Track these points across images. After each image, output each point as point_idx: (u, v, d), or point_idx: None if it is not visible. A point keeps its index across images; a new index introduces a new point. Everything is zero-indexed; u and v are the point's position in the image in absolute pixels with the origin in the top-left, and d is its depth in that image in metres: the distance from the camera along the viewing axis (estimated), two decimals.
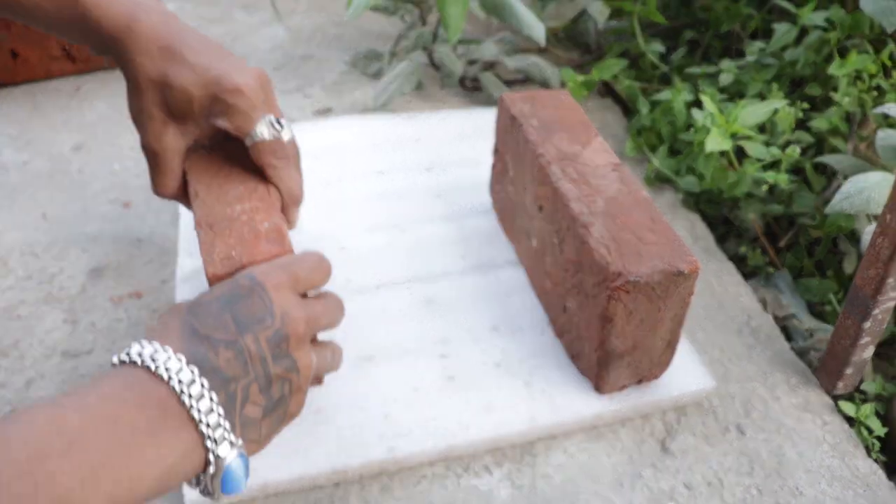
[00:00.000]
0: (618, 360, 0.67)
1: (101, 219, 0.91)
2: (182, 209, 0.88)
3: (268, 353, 0.51)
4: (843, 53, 1.01)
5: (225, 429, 0.48)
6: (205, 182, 0.64)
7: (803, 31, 1.05)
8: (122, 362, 0.48)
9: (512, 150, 0.79)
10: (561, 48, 1.26)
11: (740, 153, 0.95)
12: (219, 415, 0.47)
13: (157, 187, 0.66)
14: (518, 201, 0.79)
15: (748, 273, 0.92)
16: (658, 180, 0.99)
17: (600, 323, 0.64)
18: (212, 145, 0.67)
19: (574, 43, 1.29)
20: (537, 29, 0.95)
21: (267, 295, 0.52)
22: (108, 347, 0.76)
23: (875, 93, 0.96)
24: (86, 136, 1.04)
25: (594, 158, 0.72)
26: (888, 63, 0.98)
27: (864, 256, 0.69)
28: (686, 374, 0.72)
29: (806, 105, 0.93)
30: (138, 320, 0.79)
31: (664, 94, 1.01)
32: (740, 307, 0.84)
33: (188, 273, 0.80)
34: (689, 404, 0.74)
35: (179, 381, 0.46)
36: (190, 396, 0.46)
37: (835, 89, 0.99)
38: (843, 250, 0.90)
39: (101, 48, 0.61)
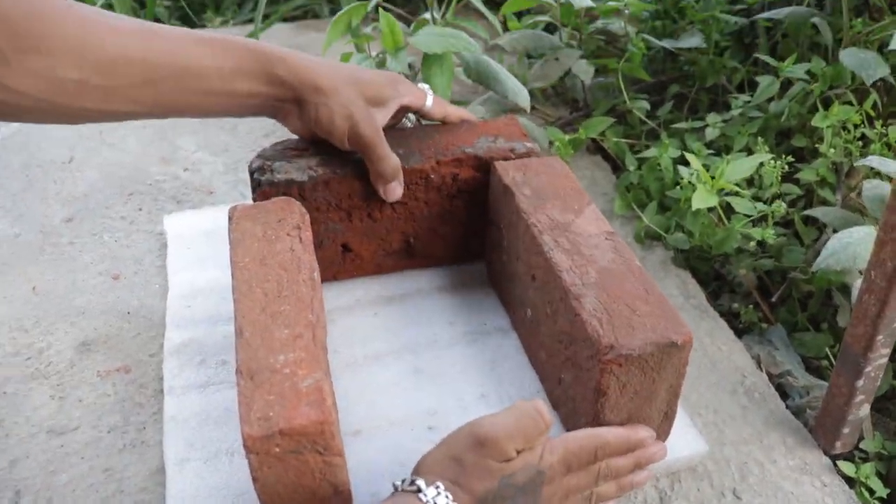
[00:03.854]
0: None
1: (91, 291, 0.91)
2: (171, 282, 0.88)
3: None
4: (826, 104, 1.02)
5: None
6: (251, 318, 0.62)
7: (788, 84, 1.06)
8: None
9: (505, 218, 0.79)
10: (549, 105, 1.27)
11: (729, 208, 0.95)
12: None
13: (382, 177, 0.78)
14: (513, 271, 0.79)
15: (742, 329, 0.91)
16: (648, 237, 0.99)
17: (594, 396, 0.63)
18: (265, 258, 0.68)
19: (562, 100, 1.30)
20: (522, 96, 0.95)
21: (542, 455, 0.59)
22: (94, 424, 0.75)
23: (860, 143, 0.96)
24: (77, 207, 1.04)
25: (587, 227, 0.72)
26: (871, 113, 0.98)
27: (852, 314, 0.69)
28: (678, 438, 0.71)
29: (791, 158, 0.93)
30: (125, 396, 0.78)
31: (651, 151, 1.02)
32: (734, 366, 0.83)
33: (176, 346, 0.80)
34: (682, 469, 0.72)
35: None
36: None
37: (821, 140, 0.99)
38: (837, 303, 0.90)
39: (285, 94, 0.74)
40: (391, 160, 0.77)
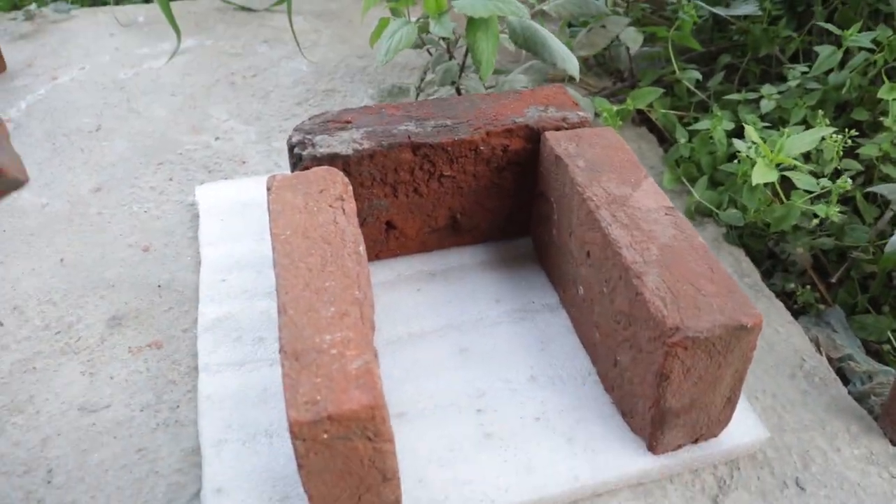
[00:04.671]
0: (674, 418, 0.62)
1: (120, 264, 0.88)
2: (204, 254, 0.85)
3: None
4: (891, 76, 0.96)
5: None
6: (294, 294, 0.58)
7: (847, 54, 1.00)
8: None
9: (557, 191, 0.75)
10: (592, 76, 1.22)
11: (785, 184, 0.91)
12: None
13: None
14: (563, 246, 0.75)
15: (797, 311, 0.87)
16: (699, 213, 0.94)
17: (655, 380, 0.59)
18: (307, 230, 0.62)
19: (605, 70, 1.25)
20: (571, 63, 0.91)
21: None
22: (126, 402, 0.73)
23: None
24: (105, 176, 1.01)
25: (645, 201, 0.68)
26: None
27: None
28: (737, 424, 0.67)
29: (854, 132, 0.88)
30: (158, 373, 0.75)
31: (703, 123, 0.97)
32: (792, 349, 0.79)
33: (210, 322, 0.77)
34: (741, 457, 0.69)
35: None
36: None
37: (883, 113, 0.94)
38: None
39: None
40: None
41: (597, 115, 1.00)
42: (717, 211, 0.92)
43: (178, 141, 1.08)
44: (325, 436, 0.51)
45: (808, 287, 0.87)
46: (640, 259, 0.62)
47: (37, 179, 1.01)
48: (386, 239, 0.82)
